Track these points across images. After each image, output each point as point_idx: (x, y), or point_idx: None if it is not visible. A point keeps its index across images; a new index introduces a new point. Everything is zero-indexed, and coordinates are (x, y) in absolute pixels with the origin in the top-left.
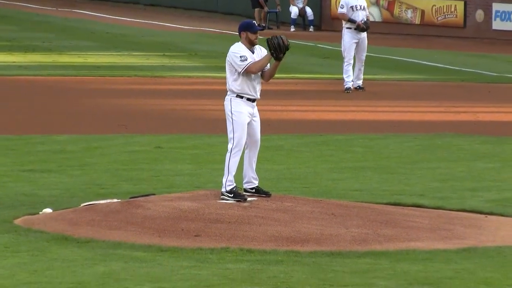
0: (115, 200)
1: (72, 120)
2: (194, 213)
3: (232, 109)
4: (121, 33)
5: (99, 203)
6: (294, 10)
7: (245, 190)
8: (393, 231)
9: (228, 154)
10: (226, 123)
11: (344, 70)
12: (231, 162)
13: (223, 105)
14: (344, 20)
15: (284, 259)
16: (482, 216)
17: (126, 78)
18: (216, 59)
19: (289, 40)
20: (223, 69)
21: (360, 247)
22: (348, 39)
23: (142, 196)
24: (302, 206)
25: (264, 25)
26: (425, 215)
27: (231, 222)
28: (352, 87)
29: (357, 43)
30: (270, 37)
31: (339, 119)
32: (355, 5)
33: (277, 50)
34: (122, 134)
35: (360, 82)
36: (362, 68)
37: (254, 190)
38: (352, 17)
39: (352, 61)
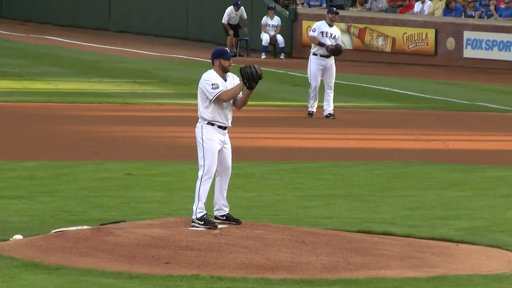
0: (85, 227)
1: (42, 146)
2: (165, 240)
3: (203, 136)
4: (91, 59)
5: (69, 230)
6: (265, 38)
7: (216, 218)
8: (363, 259)
9: (198, 182)
10: (197, 150)
11: (310, 96)
12: (202, 190)
13: (195, 132)
14: (314, 44)
15: (254, 286)
16: (453, 244)
17: (97, 104)
18: (187, 86)
19: (261, 68)
20: (194, 96)
21: (330, 275)
22: (314, 65)
23: (113, 223)
24: (273, 234)
25: (235, 50)
26: (395, 243)
27: (202, 249)
28: (325, 114)
29: (324, 70)
30: (243, 66)
31: (309, 146)
32: (326, 32)
33: (249, 79)
34: (92, 161)
35: (330, 110)
36: (331, 95)
37: (224, 218)
38: (323, 41)
39: (318, 88)
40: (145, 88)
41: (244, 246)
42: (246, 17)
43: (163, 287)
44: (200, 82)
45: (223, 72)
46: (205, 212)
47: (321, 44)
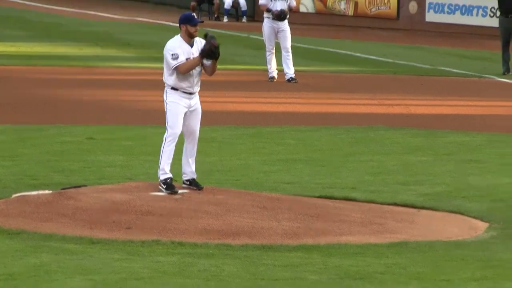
0: (46, 192)
1: (3, 110)
2: (126, 205)
3: (167, 99)
4: (54, 22)
5: (30, 194)
6: (227, 1)
7: (183, 182)
8: (325, 225)
9: (162, 143)
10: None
11: (266, 60)
12: (164, 151)
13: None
14: (264, 10)
15: (215, 252)
16: (414, 210)
17: (59, 68)
18: (150, 50)
19: (216, 39)
20: (156, 59)
21: (291, 241)
22: (267, 28)
23: (74, 187)
24: (234, 199)
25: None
26: (356, 208)
27: (163, 214)
28: (287, 78)
29: (278, 32)
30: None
31: (271, 111)
32: None
33: (209, 55)
34: (54, 124)
35: (291, 73)
36: (290, 58)
37: (188, 183)
38: (271, 7)
39: (273, 50)
40: (107, 52)
41: (205, 212)
42: None
43: (124, 253)
44: (164, 49)
45: (189, 37)
46: (168, 175)
47: (268, 11)
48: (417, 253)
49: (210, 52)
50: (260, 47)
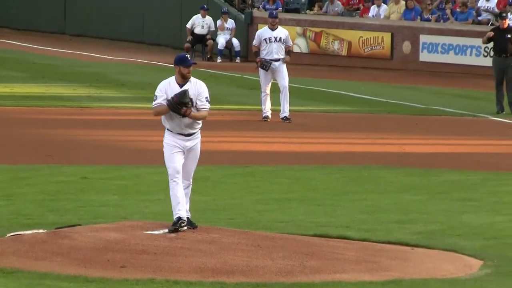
0: (41, 231)
1: None
2: (120, 244)
3: (164, 140)
4: (48, 63)
5: (25, 234)
6: (221, 41)
7: None
8: (319, 263)
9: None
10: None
11: (261, 100)
12: (170, 194)
13: None
14: (254, 51)
15: None
16: (408, 248)
17: (53, 108)
18: (144, 90)
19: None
20: (150, 100)
21: (285, 279)
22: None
23: (68, 226)
24: (228, 238)
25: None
26: (351, 247)
27: (157, 253)
28: (281, 117)
29: (274, 72)
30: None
31: (265, 150)
32: (269, 37)
33: (171, 108)
34: (49, 164)
35: (286, 113)
36: (286, 98)
37: None
38: (266, 50)
39: (268, 91)
40: (101, 92)
41: (200, 250)
42: (214, 28)
43: None
44: None
45: (182, 78)
46: (176, 215)
47: (255, 54)
48: None
49: (170, 106)
50: (254, 86)
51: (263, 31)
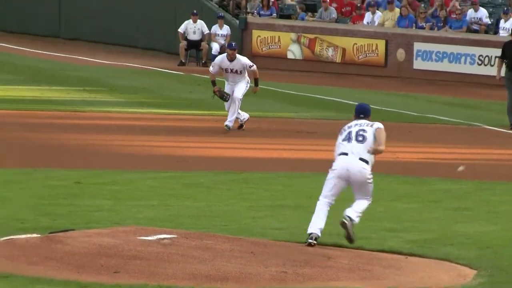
0: (34, 235)
1: None
2: (113, 250)
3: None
4: (41, 67)
5: (18, 238)
6: (215, 47)
7: None
8: (312, 270)
9: None
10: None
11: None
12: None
13: None
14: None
15: None
16: (402, 257)
17: (46, 112)
18: (137, 95)
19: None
20: (144, 104)
21: (279, 286)
22: (226, 87)
23: (62, 231)
24: (222, 244)
25: (183, 60)
26: (344, 255)
27: (151, 259)
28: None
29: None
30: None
31: (259, 156)
32: (227, 68)
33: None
34: (42, 168)
35: (229, 122)
36: (236, 108)
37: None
38: (226, 77)
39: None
40: (95, 96)
41: (193, 257)
42: (207, 31)
43: None
44: None
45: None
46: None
47: (213, 83)
48: None
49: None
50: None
51: (222, 60)
